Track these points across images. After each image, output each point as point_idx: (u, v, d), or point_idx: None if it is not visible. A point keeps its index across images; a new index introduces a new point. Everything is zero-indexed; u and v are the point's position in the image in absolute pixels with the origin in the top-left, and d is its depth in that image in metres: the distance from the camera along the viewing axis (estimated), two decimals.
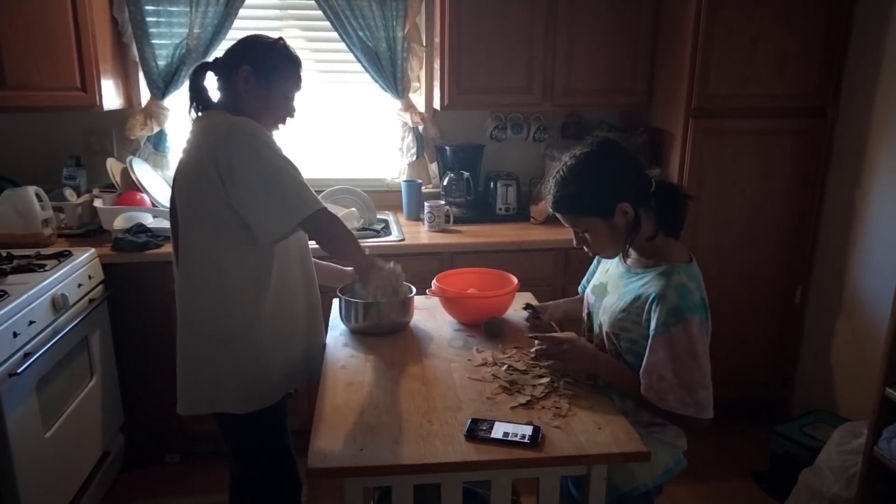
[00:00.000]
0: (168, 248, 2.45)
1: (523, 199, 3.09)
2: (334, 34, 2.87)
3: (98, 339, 2.40)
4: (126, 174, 2.74)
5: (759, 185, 2.74)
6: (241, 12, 2.79)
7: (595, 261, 1.72)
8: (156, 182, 2.84)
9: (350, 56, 2.91)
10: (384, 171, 3.19)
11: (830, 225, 2.80)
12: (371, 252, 1.79)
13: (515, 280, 1.93)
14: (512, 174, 3.09)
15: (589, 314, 1.64)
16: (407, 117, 3.01)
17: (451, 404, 1.43)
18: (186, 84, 2.86)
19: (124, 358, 2.56)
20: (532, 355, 1.64)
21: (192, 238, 1.62)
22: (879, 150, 2.54)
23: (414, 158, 3.11)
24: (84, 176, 2.87)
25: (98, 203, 2.68)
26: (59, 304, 2.10)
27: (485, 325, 1.82)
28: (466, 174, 2.99)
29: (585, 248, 1.52)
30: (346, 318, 1.84)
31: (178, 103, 2.89)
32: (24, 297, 1.95)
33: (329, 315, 1.94)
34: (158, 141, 2.93)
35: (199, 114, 1.69)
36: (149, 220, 2.61)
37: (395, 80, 2.95)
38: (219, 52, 2.76)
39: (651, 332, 1.38)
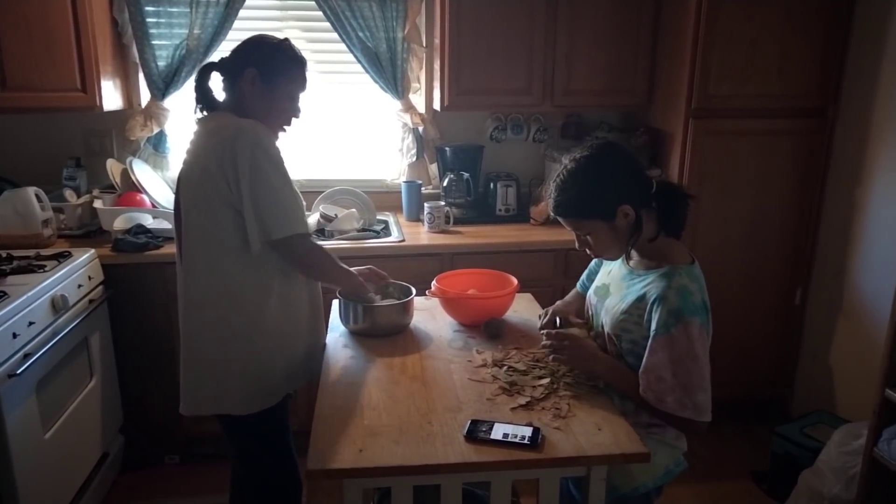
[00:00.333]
0: (168, 249, 2.45)
1: (523, 200, 3.08)
2: (334, 35, 2.87)
3: (98, 340, 2.39)
4: (126, 175, 2.74)
5: (760, 185, 2.74)
6: (242, 13, 2.79)
7: (594, 260, 1.72)
8: (156, 183, 2.83)
9: (350, 57, 2.91)
10: (384, 172, 3.19)
11: (830, 225, 2.80)
12: (370, 272, 1.82)
13: (515, 281, 1.93)
14: (512, 175, 3.09)
15: (591, 315, 1.64)
16: (407, 118, 3.01)
17: (450, 405, 1.43)
18: (187, 85, 2.90)
19: (124, 359, 2.56)
20: (531, 356, 1.64)
21: (196, 239, 1.62)
22: (880, 151, 2.54)
23: (414, 159, 3.11)
24: (84, 177, 2.87)
25: (98, 204, 2.68)
26: (58, 305, 2.10)
27: (485, 326, 1.82)
28: (466, 175, 2.99)
29: (588, 251, 1.53)
30: (345, 319, 1.84)
31: (178, 104, 2.89)
32: (24, 297, 1.95)
33: (329, 316, 1.94)
34: (158, 142, 2.93)
35: (204, 114, 1.68)
36: (149, 221, 2.61)
37: (395, 81, 2.95)
38: (219, 52, 2.77)
39: (651, 333, 1.38)
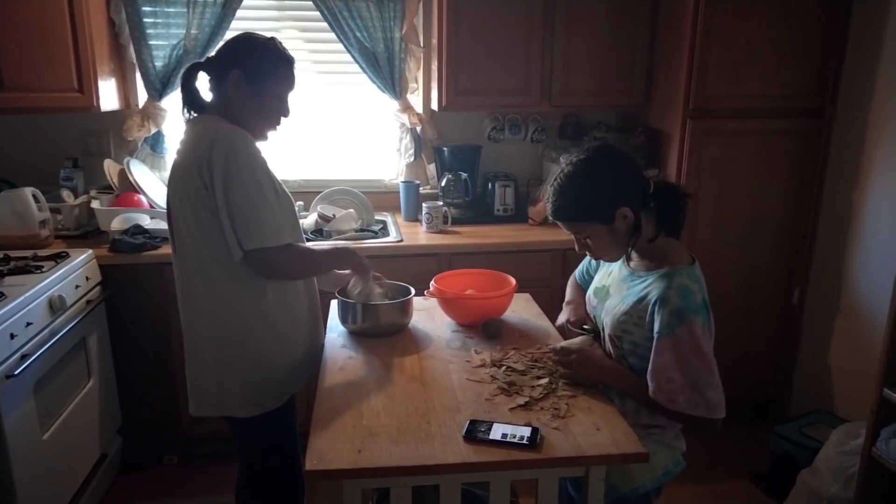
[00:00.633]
0: (166, 250, 2.45)
1: (521, 200, 3.09)
2: (332, 35, 2.86)
3: (95, 341, 2.39)
4: (123, 175, 2.73)
5: (757, 185, 2.74)
6: (239, 13, 2.78)
7: (598, 263, 1.72)
8: (153, 183, 2.83)
9: (348, 57, 2.91)
10: (382, 172, 3.19)
11: (828, 225, 2.80)
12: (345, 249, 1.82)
13: (514, 281, 1.93)
14: (510, 175, 3.09)
15: (592, 316, 1.64)
16: (405, 118, 3.01)
17: (449, 405, 1.43)
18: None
19: (122, 359, 2.55)
20: (529, 356, 1.65)
21: (186, 243, 1.61)
22: (877, 151, 2.55)
23: (412, 159, 3.11)
24: (81, 177, 2.86)
25: (95, 204, 2.67)
26: (56, 306, 2.10)
27: (483, 327, 1.82)
28: (464, 175, 2.99)
29: (588, 254, 1.53)
30: (344, 319, 1.84)
31: (175, 104, 2.89)
32: (22, 298, 1.94)
33: (328, 316, 1.94)
34: (156, 142, 2.93)
35: (193, 115, 1.67)
36: (146, 222, 2.61)
37: (392, 81, 2.95)
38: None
39: (655, 335, 1.39)
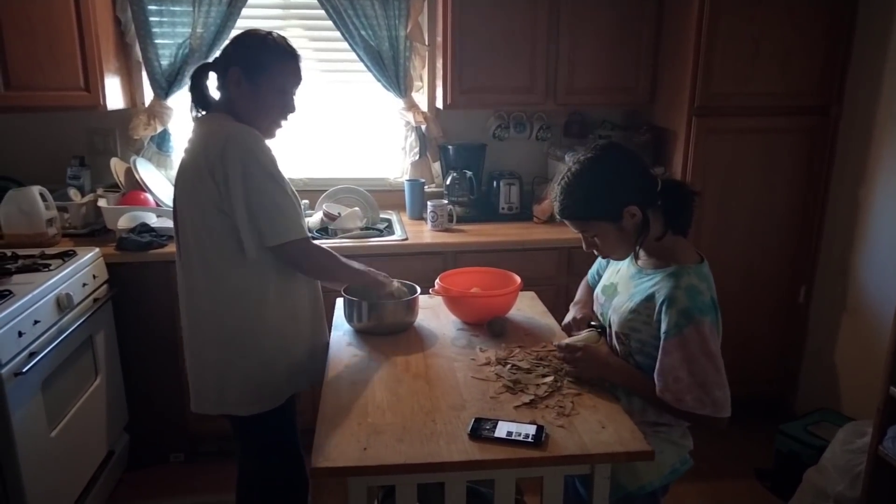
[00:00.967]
0: (172, 248, 2.45)
1: (526, 199, 3.08)
2: (337, 33, 2.87)
3: (103, 339, 2.40)
4: (130, 174, 2.75)
5: (763, 183, 2.73)
6: (244, 12, 2.79)
7: (607, 261, 1.71)
8: (159, 182, 2.84)
9: (353, 55, 2.91)
10: (387, 171, 3.19)
11: (834, 223, 2.79)
12: (368, 267, 1.82)
13: (518, 279, 1.93)
14: (515, 173, 3.09)
15: (600, 314, 1.64)
16: (410, 116, 3.01)
17: (454, 403, 1.43)
18: (189, 84, 2.88)
19: (129, 357, 2.57)
20: (534, 354, 1.65)
21: (191, 241, 1.62)
22: (883, 148, 2.54)
23: (417, 158, 3.11)
24: (88, 176, 2.87)
25: (102, 203, 2.69)
26: (63, 304, 2.11)
27: (488, 325, 1.82)
28: (469, 173, 2.99)
29: (595, 252, 1.53)
30: (349, 317, 1.85)
31: (181, 103, 2.90)
32: (29, 296, 1.95)
33: (333, 315, 1.94)
34: (162, 140, 2.94)
35: (201, 114, 1.68)
36: (153, 220, 2.62)
37: (397, 80, 2.95)
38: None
39: (662, 335, 1.38)
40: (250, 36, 1.64)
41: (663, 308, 1.39)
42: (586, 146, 1.52)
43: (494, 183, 3.07)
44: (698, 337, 1.35)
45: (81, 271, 2.26)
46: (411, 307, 1.85)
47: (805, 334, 2.94)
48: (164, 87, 2.83)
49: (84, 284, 2.26)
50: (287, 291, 1.67)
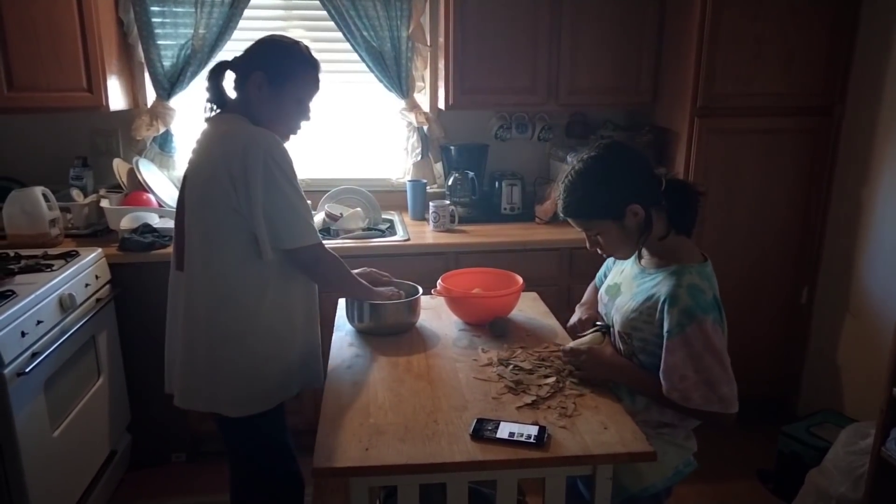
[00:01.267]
0: None
1: (528, 199, 3.08)
2: (339, 34, 2.87)
3: (105, 339, 2.41)
4: (132, 174, 2.75)
5: (765, 183, 2.73)
6: (246, 13, 2.79)
7: (613, 262, 1.71)
8: (162, 182, 2.85)
9: (355, 56, 2.91)
10: (389, 171, 3.19)
11: (837, 224, 2.78)
12: (370, 273, 1.82)
13: (520, 280, 1.93)
14: (517, 174, 3.09)
15: (604, 314, 1.64)
16: (412, 117, 3.01)
17: (456, 404, 1.43)
18: (192, 85, 2.90)
19: (131, 357, 2.57)
20: (536, 355, 1.65)
21: (196, 239, 1.62)
22: (887, 149, 2.53)
23: (419, 158, 3.11)
24: (91, 176, 2.88)
25: (105, 203, 2.69)
26: (66, 304, 2.11)
27: (490, 325, 1.82)
28: (471, 174, 2.99)
29: (599, 251, 1.53)
30: (351, 317, 1.85)
31: (183, 104, 2.90)
32: (32, 296, 1.96)
33: (335, 315, 1.94)
34: (164, 141, 2.94)
35: (215, 112, 1.67)
36: (155, 221, 2.62)
37: (399, 80, 2.95)
38: (224, 52, 2.78)
39: (665, 334, 1.38)
40: (278, 42, 1.65)
41: (665, 307, 1.38)
42: (589, 146, 1.52)
43: (496, 183, 3.07)
44: (701, 334, 1.35)
45: (84, 272, 2.27)
46: (413, 308, 1.85)
47: (807, 335, 2.94)
48: (167, 88, 2.83)
49: (86, 285, 2.27)
50: (284, 295, 1.68)
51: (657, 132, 2.91)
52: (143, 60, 2.81)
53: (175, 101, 2.87)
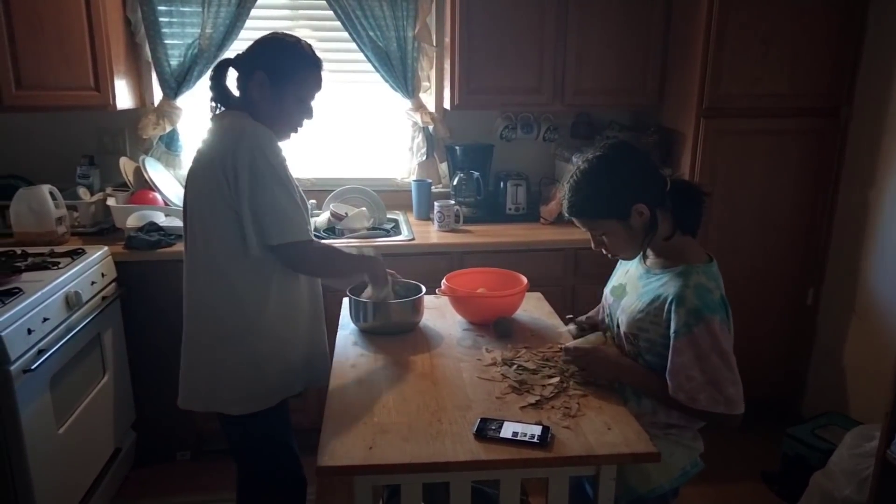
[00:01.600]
0: (180, 247, 2.46)
1: (533, 199, 3.08)
2: (345, 34, 2.88)
3: (110, 337, 2.42)
4: (139, 173, 2.76)
5: (771, 185, 2.72)
6: (253, 12, 2.80)
7: (618, 263, 1.71)
8: (168, 181, 2.86)
9: (361, 56, 2.92)
10: (394, 171, 3.20)
11: (843, 225, 2.77)
12: (365, 252, 1.81)
13: (525, 280, 1.93)
14: (522, 174, 3.09)
15: (608, 314, 1.64)
16: (417, 117, 3.02)
17: (460, 403, 1.43)
18: (199, 84, 2.91)
19: (136, 355, 2.58)
20: (540, 355, 1.65)
21: (198, 237, 1.63)
22: (893, 150, 2.52)
23: (424, 158, 3.11)
24: (97, 175, 2.89)
25: (111, 202, 2.70)
26: (72, 302, 2.12)
27: (494, 325, 1.82)
28: (476, 174, 2.99)
29: (604, 251, 1.52)
30: (355, 317, 1.85)
31: (190, 103, 2.91)
32: (39, 294, 1.97)
33: (339, 315, 1.95)
34: (171, 140, 2.95)
35: (219, 110, 1.68)
36: (161, 219, 2.63)
37: (405, 80, 2.96)
38: (231, 52, 2.79)
39: (672, 335, 1.38)
40: (280, 41, 1.65)
41: (672, 307, 1.38)
42: (594, 146, 1.51)
43: (501, 184, 3.07)
44: (708, 335, 1.35)
45: (90, 269, 2.28)
46: (417, 307, 1.85)
47: (813, 337, 2.93)
48: (174, 87, 2.84)
49: (93, 283, 2.28)
50: (287, 293, 1.68)
51: (663, 133, 2.90)
52: (150, 59, 2.82)
53: (182, 101, 2.88)
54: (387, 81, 2.96)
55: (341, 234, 2.74)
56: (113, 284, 2.43)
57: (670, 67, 2.84)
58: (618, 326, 1.56)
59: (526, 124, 3.10)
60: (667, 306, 1.40)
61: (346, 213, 2.81)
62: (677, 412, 1.44)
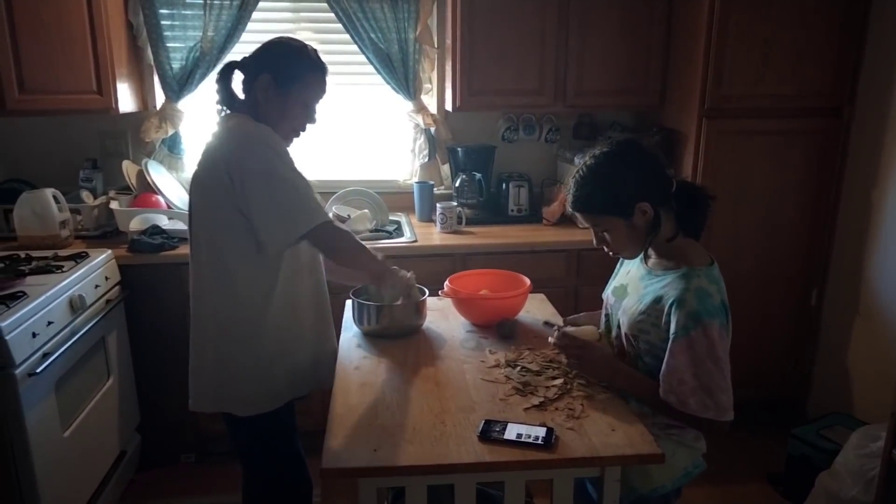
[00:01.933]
0: (184, 250, 2.47)
1: (535, 201, 3.08)
2: (346, 36, 2.88)
3: (115, 340, 2.42)
4: (141, 176, 2.77)
5: (774, 185, 2.72)
6: (255, 15, 2.81)
7: (619, 264, 1.71)
8: (171, 184, 2.86)
9: (362, 58, 2.92)
10: (396, 173, 3.20)
11: (846, 225, 2.77)
12: (384, 256, 1.80)
13: (528, 281, 1.93)
14: (524, 175, 3.09)
15: (608, 315, 1.64)
16: (419, 119, 3.02)
17: (464, 405, 1.43)
18: (201, 87, 2.91)
19: (140, 358, 2.59)
20: (544, 357, 1.65)
21: (203, 239, 1.63)
22: None
23: (426, 160, 3.11)
24: (100, 178, 2.90)
25: (114, 205, 2.71)
26: (76, 305, 2.13)
27: (497, 327, 1.82)
28: (478, 175, 2.99)
29: (605, 248, 1.52)
30: (359, 320, 1.85)
31: (192, 106, 2.92)
32: (43, 297, 1.97)
33: (342, 318, 1.95)
34: (173, 143, 2.96)
35: (225, 112, 1.68)
36: (164, 222, 2.64)
37: (407, 82, 2.96)
38: (232, 55, 2.79)
39: (671, 336, 1.38)
40: (286, 45, 1.66)
41: (672, 310, 1.38)
42: (600, 145, 1.51)
43: (503, 185, 3.07)
44: (706, 340, 1.35)
45: (94, 273, 2.28)
46: (420, 310, 1.85)
47: (817, 337, 2.92)
48: (176, 91, 2.85)
49: (96, 286, 2.28)
50: (292, 294, 1.68)
51: (665, 133, 2.90)
52: (152, 63, 2.83)
53: (184, 104, 2.89)
54: (388, 83, 2.96)
55: None
56: (117, 288, 2.43)
57: (672, 68, 2.84)
58: (618, 327, 1.56)
59: (528, 125, 3.10)
60: (667, 308, 1.40)
61: (348, 216, 2.81)
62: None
